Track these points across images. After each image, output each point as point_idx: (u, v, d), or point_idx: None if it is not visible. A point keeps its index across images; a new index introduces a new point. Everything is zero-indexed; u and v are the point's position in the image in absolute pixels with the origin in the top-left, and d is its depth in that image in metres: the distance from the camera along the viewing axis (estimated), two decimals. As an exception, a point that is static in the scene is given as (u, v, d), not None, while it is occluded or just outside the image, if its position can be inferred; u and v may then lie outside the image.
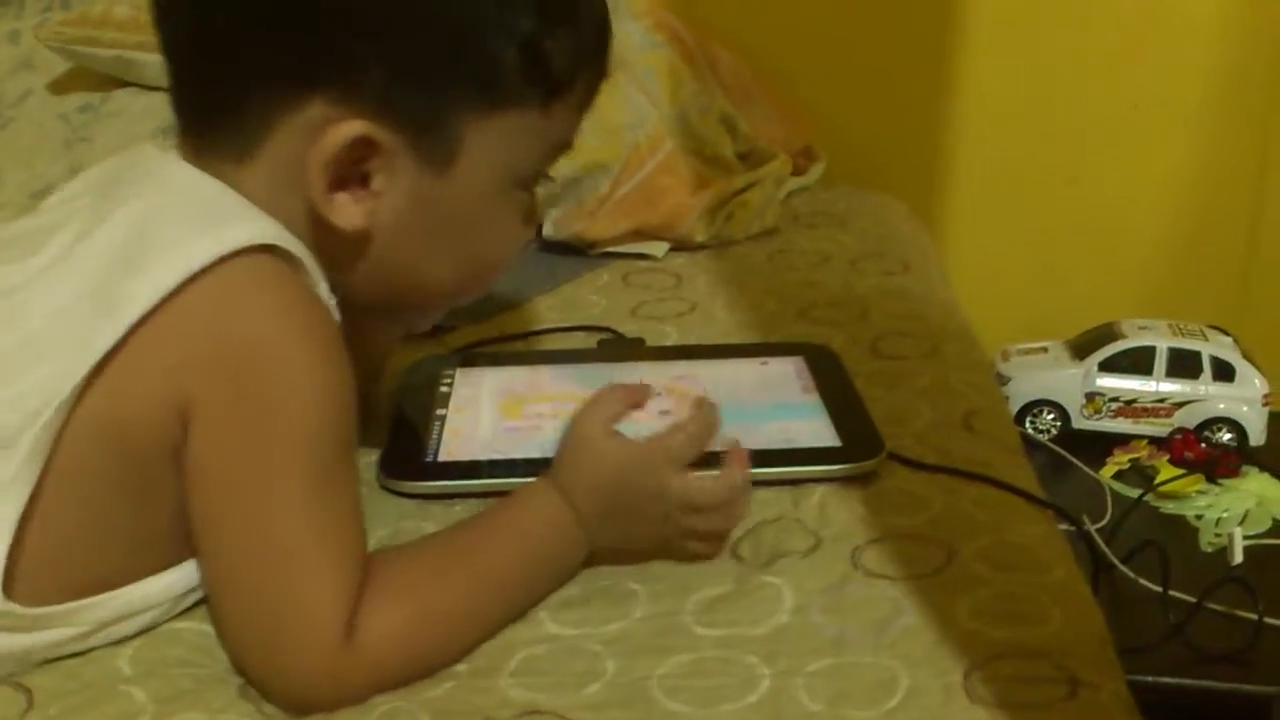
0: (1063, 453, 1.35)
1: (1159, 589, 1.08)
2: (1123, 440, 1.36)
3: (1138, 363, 1.37)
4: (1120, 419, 1.38)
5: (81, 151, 1.28)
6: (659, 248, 1.26)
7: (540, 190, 0.76)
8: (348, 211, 0.67)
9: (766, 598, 0.69)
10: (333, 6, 0.65)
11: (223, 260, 0.62)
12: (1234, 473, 1.30)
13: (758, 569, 0.71)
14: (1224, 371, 1.36)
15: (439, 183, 0.68)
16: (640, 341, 1.04)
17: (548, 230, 1.26)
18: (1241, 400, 1.35)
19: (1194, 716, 1.02)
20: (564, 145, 0.74)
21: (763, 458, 0.81)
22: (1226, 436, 1.35)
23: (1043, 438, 1.38)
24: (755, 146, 1.40)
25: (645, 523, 0.71)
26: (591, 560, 0.71)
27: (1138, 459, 1.33)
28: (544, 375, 0.93)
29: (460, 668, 0.63)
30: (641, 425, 0.74)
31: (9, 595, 0.60)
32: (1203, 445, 1.34)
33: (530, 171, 0.73)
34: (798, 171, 1.46)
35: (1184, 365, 1.36)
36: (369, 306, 0.74)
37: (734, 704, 0.60)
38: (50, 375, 0.60)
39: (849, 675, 0.62)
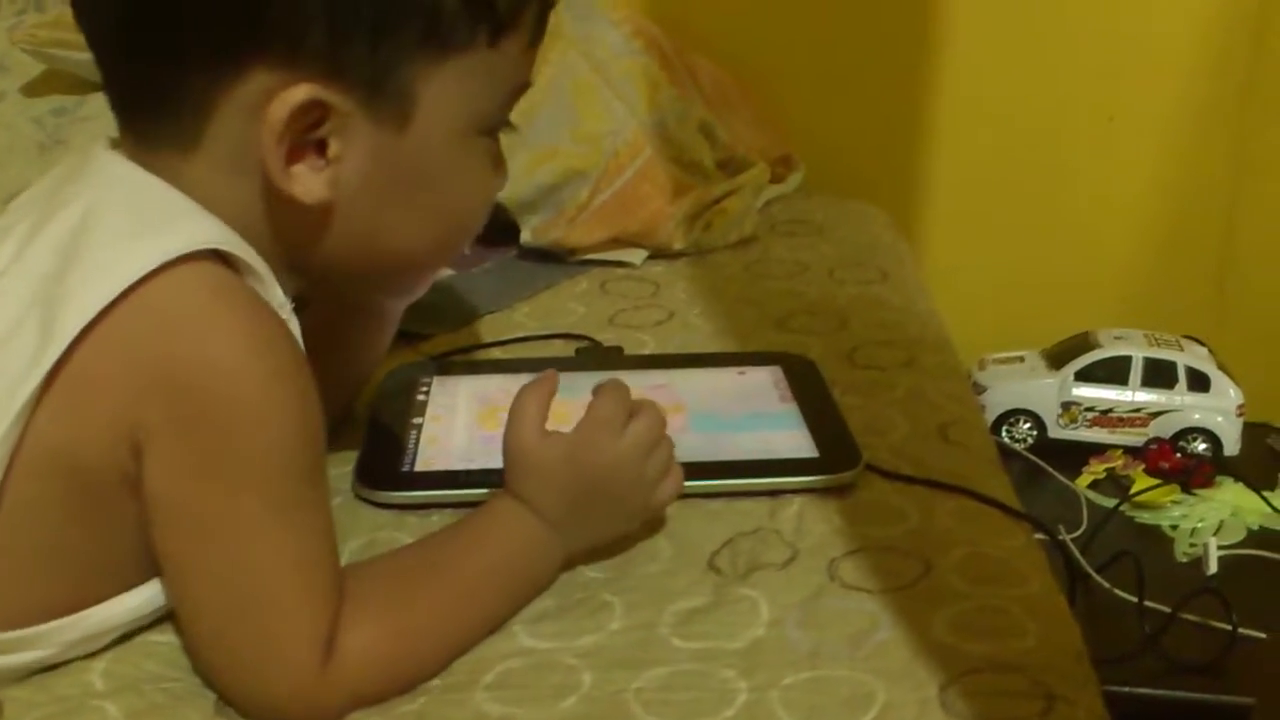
0: (1039, 462, 1.35)
1: (1134, 599, 1.09)
2: (1098, 450, 1.37)
3: (1113, 372, 1.38)
4: (1096, 428, 1.39)
5: (56, 155, 1.27)
6: (637, 255, 1.26)
7: (504, 137, 0.73)
8: (309, 183, 0.63)
9: (743, 610, 0.68)
10: None
11: (164, 268, 0.58)
12: (1209, 483, 1.31)
13: (735, 581, 0.71)
14: (1199, 382, 1.37)
15: (399, 139, 0.65)
16: (619, 350, 1.04)
17: (526, 238, 1.26)
18: (1216, 410, 1.36)
19: (1169, 727, 1.02)
20: (522, 85, 0.71)
21: (740, 468, 0.81)
22: (1201, 446, 1.36)
23: (1019, 447, 1.38)
24: (734, 154, 1.40)
25: (619, 497, 0.71)
26: (573, 561, 0.71)
27: (1113, 468, 1.34)
28: (522, 384, 0.92)
29: (435, 682, 0.63)
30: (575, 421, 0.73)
31: None
32: (1178, 455, 1.34)
33: (491, 116, 0.69)
34: (776, 180, 1.46)
35: (1159, 375, 1.37)
36: (354, 283, 0.72)
37: (711, 718, 0.60)
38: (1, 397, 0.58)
39: (825, 689, 0.62)
